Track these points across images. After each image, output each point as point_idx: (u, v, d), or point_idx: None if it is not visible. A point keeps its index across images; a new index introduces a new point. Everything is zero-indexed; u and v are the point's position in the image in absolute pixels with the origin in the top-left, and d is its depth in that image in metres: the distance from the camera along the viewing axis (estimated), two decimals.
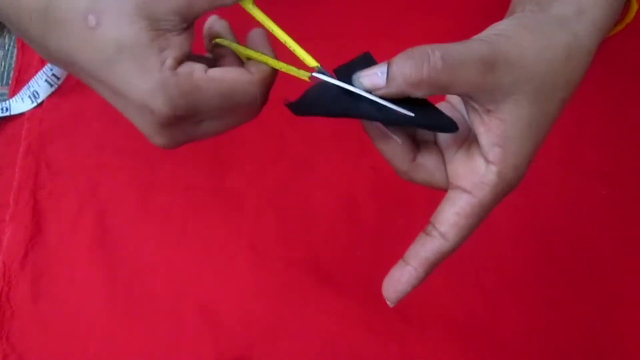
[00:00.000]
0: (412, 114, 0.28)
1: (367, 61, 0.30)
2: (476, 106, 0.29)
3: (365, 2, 0.54)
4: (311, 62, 0.30)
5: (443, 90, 0.28)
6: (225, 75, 0.30)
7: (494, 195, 0.29)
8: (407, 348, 0.44)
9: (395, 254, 0.46)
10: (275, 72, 0.31)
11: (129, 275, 0.45)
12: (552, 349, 0.44)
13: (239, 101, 0.30)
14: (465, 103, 0.30)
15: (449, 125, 0.29)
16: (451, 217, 0.30)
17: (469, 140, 0.31)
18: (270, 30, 0.31)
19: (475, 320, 0.44)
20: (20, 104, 0.51)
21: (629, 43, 0.52)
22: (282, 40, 0.31)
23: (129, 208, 0.47)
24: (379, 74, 0.28)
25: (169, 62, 0.29)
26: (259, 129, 0.49)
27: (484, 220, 0.30)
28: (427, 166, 0.31)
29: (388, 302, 0.31)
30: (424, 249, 0.31)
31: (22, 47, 0.54)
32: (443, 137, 0.32)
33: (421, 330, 0.44)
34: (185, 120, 0.30)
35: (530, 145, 0.29)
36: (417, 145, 0.31)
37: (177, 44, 0.29)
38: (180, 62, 0.29)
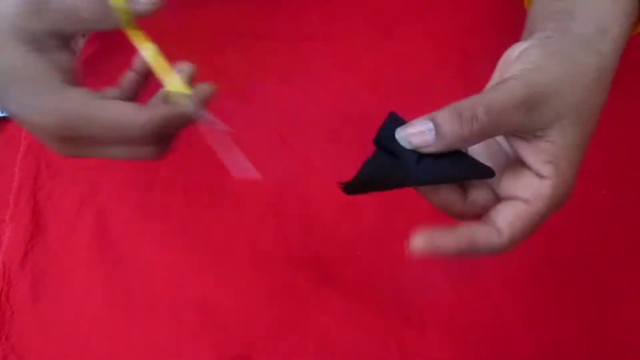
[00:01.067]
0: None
1: (396, 120, 0.30)
2: (521, 135, 0.30)
3: (366, 2, 0.54)
4: (184, 89, 0.32)
5: (489, 137, 0.30)
6: (111, 107, 0.31)
7: (548, 207, 0.30)
8: (407, 348, 0.44)
9: (395, 254, 0.46)
10: (171, 118, 0.32)
11: (129, 275, 0.45)
12: (552, 349, 0.44)
13: (125, 134, 0.31)
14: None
15: (486, 173, 0.30)
16: (509, 217, 0.30)
17: (510, 165, 0.32)
18: (147, 56, 0.32)
19: (475, 320, 0.44)
20: None
21: (628, 43, 0.52)
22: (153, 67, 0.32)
23: (129, 208, 0.47)
24: (427, 132, 0.29)
25: (56, 84, 0.30)
26: (259, 129, 0.49)
27: (535, 231, 0.31)
28: (479, 202, 0.32)
29: (410, 248, 0.31)
30: (477, 233, 0.30)
31: None
32: None
33: (421, 330, 0.44)
34: (77, 140, 0.32)
35: (577, 162, 0.31)
36: (463, 186, 0.32)
37: (59, 63, 0.31)
38: (67, 82, 0.31)
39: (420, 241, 0.30)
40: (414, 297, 0.45)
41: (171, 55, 0.52)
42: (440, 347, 0.44)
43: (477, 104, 0.29)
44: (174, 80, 0.31)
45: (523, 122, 0.29)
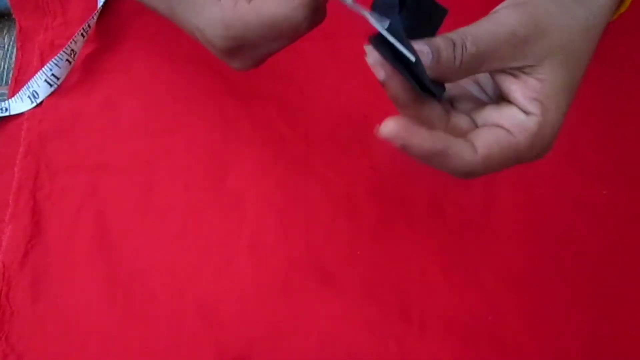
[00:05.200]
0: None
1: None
2: (509, 71, 0.29)
3: (366, 2, 0.54)
4: None
5: (475, 72, 0.29)
6: (264, 7, 0.31)
7: (530, 144, 0.29)
8: (407, 348, 0.44)
9: (395, 254, 0.46)
10: None
11: (129, 275, 0.45)
12: (552, 349, 0.44)
13: (282, 28, 0.32)
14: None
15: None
16: (488, 139, 0.29)
17: (493, 101, 0.31)
18: None
19: (475, 320, 0.44)
20: (20, 104, 0.51)
21: (629, 43, 0.52)
22: None
23: (129, 208, 0.47)
24: (426, 54, 0.28)
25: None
26: (259, 128, 0.49)
27: (508, 167, 0.30)
28: (461, 126, 0.30)
29: (381, 130, 0.28)
30: (453, 143, 0.28)
31: (22, 47, 0.53)
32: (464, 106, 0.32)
33: (421, 330, 0.44)
34: (243, 49, 0.33)
35: (564, 107, 0.30)
36: (445, 108, 0.31)
37: None
38: None
39: (393, 127, 0.27)
40: (414, 297, 0.45)
41: (170, 54, 0.52)
42: (440, 347, 0.44)
43: (467, 34, 0.28)
44: None
45: (512, 55, 0.28)
